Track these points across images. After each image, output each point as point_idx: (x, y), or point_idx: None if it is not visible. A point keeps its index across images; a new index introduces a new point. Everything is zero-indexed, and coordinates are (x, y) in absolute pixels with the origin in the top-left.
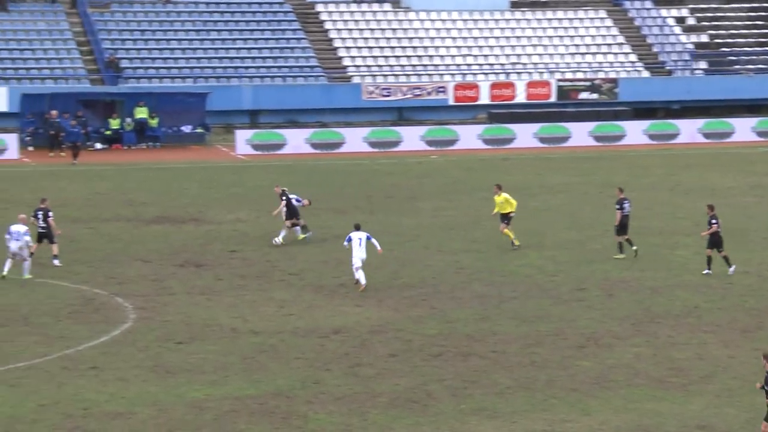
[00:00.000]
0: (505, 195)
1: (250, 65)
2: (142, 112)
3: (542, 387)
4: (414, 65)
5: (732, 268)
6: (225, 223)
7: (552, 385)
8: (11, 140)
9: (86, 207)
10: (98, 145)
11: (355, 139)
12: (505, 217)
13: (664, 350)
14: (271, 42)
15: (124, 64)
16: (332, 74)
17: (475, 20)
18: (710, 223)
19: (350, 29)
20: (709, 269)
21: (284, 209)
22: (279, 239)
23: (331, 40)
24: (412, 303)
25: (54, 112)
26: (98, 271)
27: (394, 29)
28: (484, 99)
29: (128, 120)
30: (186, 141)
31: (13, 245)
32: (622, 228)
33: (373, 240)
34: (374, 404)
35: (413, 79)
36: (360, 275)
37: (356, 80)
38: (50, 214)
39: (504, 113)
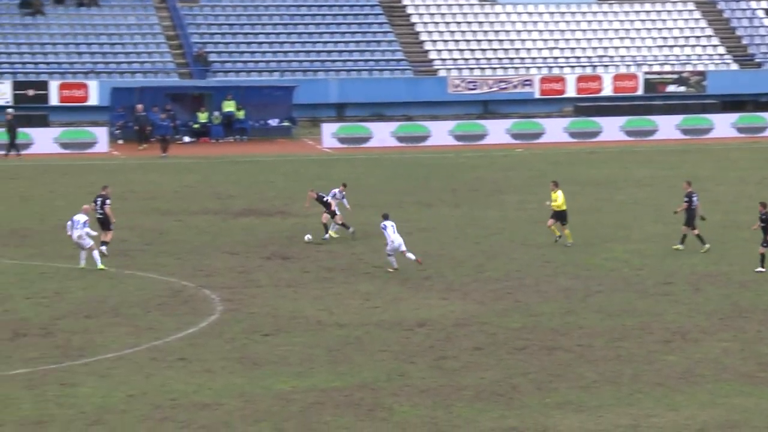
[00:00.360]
0: (560, 192)
1: (336, 59)
2: (229, 106)
3: (628, 381)
4: (500, 58)
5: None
6: (311, 216)
7: (638, 380)
8: (101, 133)
9: (175, 200)
10: (186, 139)
11: (440, 133)
12: (560, 215)
13: (752, 345)
14: (357, 35)
15: (212, 57)
16: (418, 67)
17: (562, 13)
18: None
19: (436, 22)
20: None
21: (335, 208)
22: (331, 233)
23: (417, 33)
24: (497, 296)
25: (140, 106)
26: (186, 263)
27: (480, 22)
28: (571, 92)
29: (216, 113)
30: (273, 134)
31: (75, 234)
32: (689, 220)
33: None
34: (459, 397)
35: (499, 72)
36: (410, 255)
37: (442, 73)
38: (108, 201)
39: (590, 106)
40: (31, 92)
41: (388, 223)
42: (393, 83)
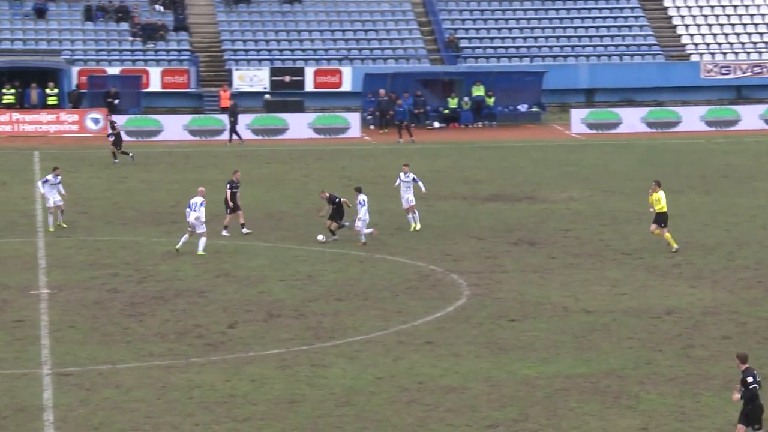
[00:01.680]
0: (662, 194)
1: (587, 44)
2: (479, 91)
3: None
4: (755, 43)
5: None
6: (558, 202)
7: None
8: (354, 119)
9: (425, 184)
10: (436, 124)
11: (691, 118)
12: (660, 217)
13: None
14: (608, 20)
15: (463, 44)
16: (670, 52)
17: None
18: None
19: (689, 6)
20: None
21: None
22: (321, 237)
23: (670, 17)
24: (747, 285)
25: (382, 91)
26: (434, 247)
27: (734, 6)
28: None
29: (466, 99)
30: (521, 120)
31: (191, 216)
32: None
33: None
34: (707, 387)
35: (754, 56)
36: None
37: (694, 58)
38: (237, 186)
39: None
40: (287, 78)
41: (364, 198)
42: (644, 68)
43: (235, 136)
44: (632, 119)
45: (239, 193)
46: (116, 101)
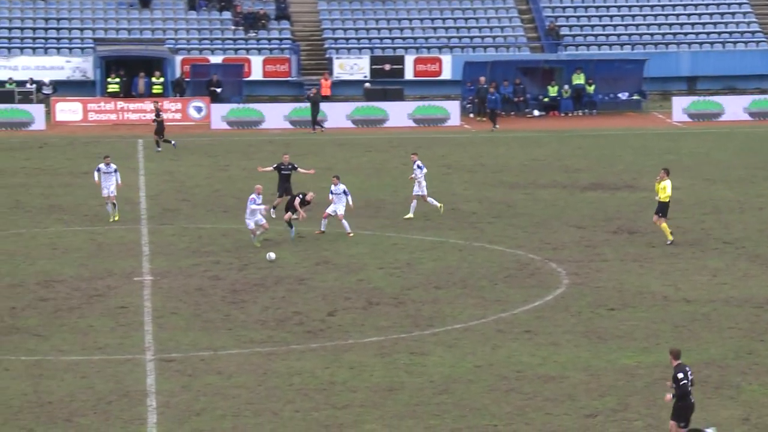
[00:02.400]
0: (668, 183)
1: (688, 31)
2: (579, 79)
3: None
4: None
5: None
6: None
7: None
8: (453, 108)
9: (523, 173)
10: (536, 112)
11: None
12: (662, 207)
13: None
14: (711, 6)
15: (563, 31)
16: None
17: None
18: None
19: None
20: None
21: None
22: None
23: None
24: None
25: (482, 78)
26: (533, 236)
27: None
28: None
29: (566, 87)
30: (622, 108)
31: (249, 210)
32: None
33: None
34: None
35: None
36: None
37: None
38: (288, 169)
39: None
40: (387, 67)
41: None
42: (747, 55)
43: (317, 126)
44: (735, 108)
45: (299, 171)
46: (218, 90)
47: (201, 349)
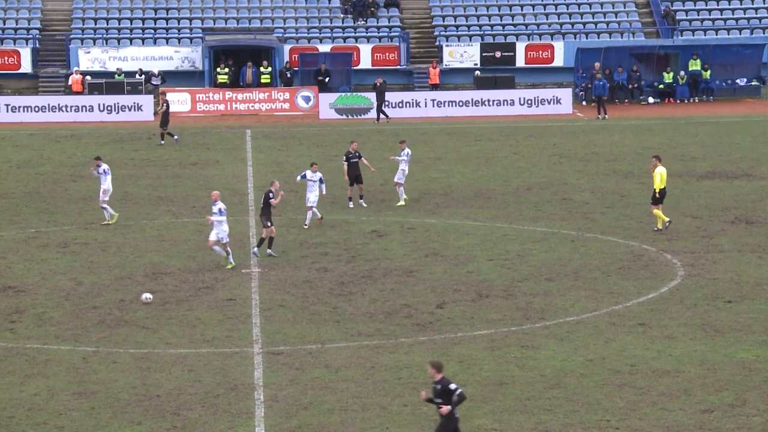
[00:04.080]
0: (660, 169)
1: None
2: (695, 65)
3: None
4: None
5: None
6: None
7: None
8: (565, 95)
9: (636, 161)
10: (651, 99)
11: None
12: (660, 196)
13: None
14: None
15: (679, 16)
16: None
17: None
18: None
19: None
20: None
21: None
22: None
23: None
24: None
25: (597, 65)
26: (648, 226)
27: None
28: None
29: (681, 73)
30: (740, 94)
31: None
32: None
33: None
34: None
35: None
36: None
37: None
38: (355, 157)
39: None
40: (498, 54)
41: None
42: None
43: (382, 116)
44: None
45: (362, 164)
46: (327, 79)
47: (308, 342)
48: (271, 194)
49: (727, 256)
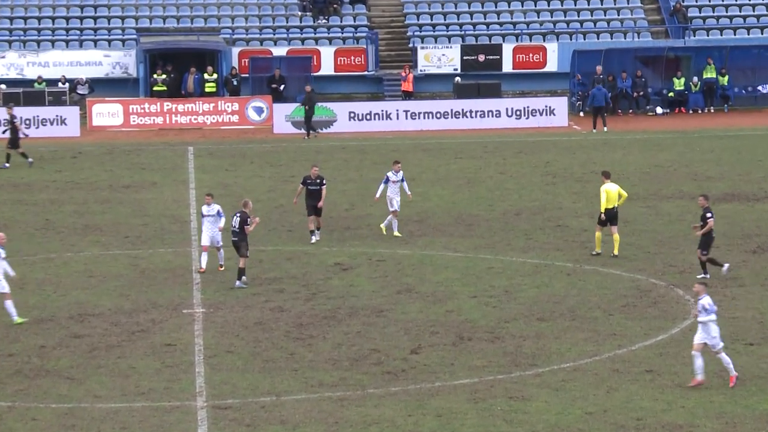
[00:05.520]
0: (608, 186)
1: None
2: (710, 70)
3: None
4: None
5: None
6: None
7: None
8: (559, 105)
9: (643, 182)
10: (659, 110)
11: None
12: (609, 215)
13: None
14: None
15: (692, 13)
16: None
17: None
18: (705, 219)
19: None
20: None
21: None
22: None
23: None
24: None
25: (599, 68)
26: (655, 257)
27: None
28: None
29: (695, 79)
30: (762, 103)
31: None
32: None
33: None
34: None
35: None
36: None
37: None
38: (316, 183)
39: None
40: (481, 57)
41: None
42: None
43: (312, 131)
44: None
45: (323, 191)
46: (281, 87)
47: (261, 395)
48: (248, 218)
49: (749, 291)
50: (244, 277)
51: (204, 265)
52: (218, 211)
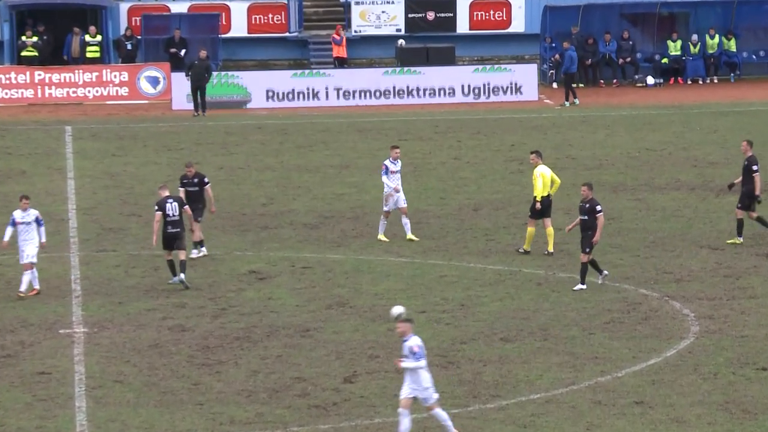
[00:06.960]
0: (542, 169)
1: None
2: (713, 31)
3: None
4: None
5: None
6: None
7: None
8: (527, 74)
9: (631, 169)
10: (650, 80)
11: None
12: (542, 204)
13: None
14: None
15: None
16: None
17: None
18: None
19: None
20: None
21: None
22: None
23: None
24: None
25: (574, 29)
26: (646, 262)
27: None
28: None
29: (694, 36)
30: None
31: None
32: None
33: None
34: None
35: None
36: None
37: None
38: (194, 183)
39: None
40: (430, 15)
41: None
42: None
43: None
44: None
45: (207, 193)
46: (182, 52)
47: None
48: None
49: (761, 303)
50: (183, 274)
51: (24, 288)
52: (37, 218)
